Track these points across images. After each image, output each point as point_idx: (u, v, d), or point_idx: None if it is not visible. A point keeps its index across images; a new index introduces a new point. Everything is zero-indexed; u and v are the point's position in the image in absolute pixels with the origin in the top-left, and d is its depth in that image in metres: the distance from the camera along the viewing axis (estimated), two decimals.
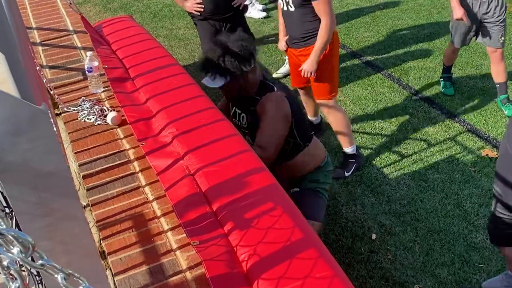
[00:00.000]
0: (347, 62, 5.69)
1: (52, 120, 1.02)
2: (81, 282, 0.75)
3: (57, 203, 1.13)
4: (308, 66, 3.67)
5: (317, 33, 3.55)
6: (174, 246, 2.01)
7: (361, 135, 4.47)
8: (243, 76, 2.70)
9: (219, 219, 2.01)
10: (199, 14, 4.15)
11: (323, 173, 3.02)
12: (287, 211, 1.96)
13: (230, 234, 1.92)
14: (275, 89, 2.79)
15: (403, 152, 4.25)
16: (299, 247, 1.80)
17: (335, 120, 3.91)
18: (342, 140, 4.00)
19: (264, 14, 6.86)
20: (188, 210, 2.04)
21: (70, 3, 3.48)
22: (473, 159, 4.14)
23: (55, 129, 1.05)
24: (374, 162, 4.14)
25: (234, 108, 2.97)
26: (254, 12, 6.79)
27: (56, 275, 0.72)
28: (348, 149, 4.01)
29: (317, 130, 4.40)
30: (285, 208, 1.99)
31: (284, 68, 5.42)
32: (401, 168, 4.07)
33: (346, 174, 3.99)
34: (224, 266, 1.76)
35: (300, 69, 3.74)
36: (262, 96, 2.76)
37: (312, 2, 3.46)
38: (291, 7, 3.60)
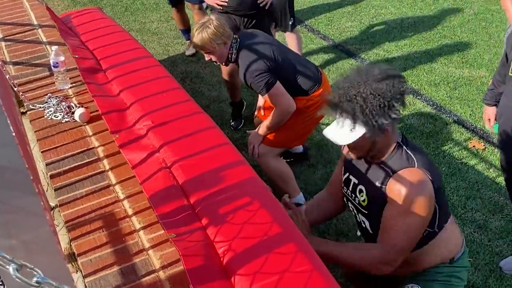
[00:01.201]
0: (329, 53, 5.73)
1: (4, 110, 1.02)
2: (35, 273, 0.75)
3: (14, 200, 1.13)
4: (251, 136, 3.41)
5: None
6: (147, 245, 2.02)
7: None
8: (385, 127, 1.99)
9: (197, 212, 2.03)
10: (220, 7, 4.07)
11: (455, 272, 2.27)
12: (266, 205, 1.99)
13: (208, 227, 1.95)
14: (416, 163, 2.06)
15: None
16: (277, 241, 1.83)
17: (270, 172, 3.49)
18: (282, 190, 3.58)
19: None
20: (164, 202, 2.07)
21: None
22: (460, 151, 4.19)
23: (9, 121, 1.05)
24: None
25: (348, 174, 2.29)
26: None
27: (7, 267, 0.72)
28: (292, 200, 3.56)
29: (302, 159, 4.16)
30: (264, 202, 2.01)
31: None
32: None
33: None
34: (202, 259, 1.79)
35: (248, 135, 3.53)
36: (396, 170, 2.07)
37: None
38: None
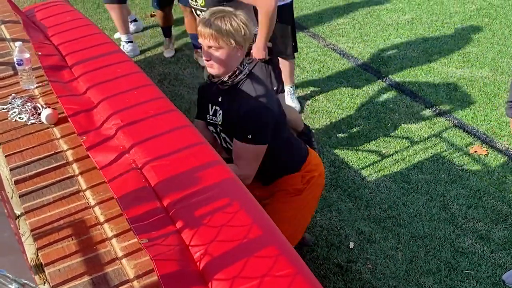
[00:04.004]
0: (319, 52, 5.82)
1: None
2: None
3: None
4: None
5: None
6: (120, 253, 2.06)
7: (336, 134, 4.58)
8: None
9: (171, 215, 2.08)
10: None
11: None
12: (245, 207, 2.04)
13: (183, 231, 2.00)
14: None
15: (383, 151, 4.36)
16: (258, 244, 1.88)
17: None
18: None
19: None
20: (135, 205, 2.11)
21: None
22: (461, 157, 4.28)
23: None
24: (351, 163, 4.24)
25: None
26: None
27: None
28: None
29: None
30: (243, 203, 2.07)
31: None
32: (381, 169, 4.18)
33: None
34: (176, 265, 1.83)
35: None
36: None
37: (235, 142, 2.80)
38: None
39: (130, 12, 6.39)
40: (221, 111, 2.74)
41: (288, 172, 2.91)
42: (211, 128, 2.88)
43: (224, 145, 2.87)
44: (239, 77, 2.67)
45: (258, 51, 3.60)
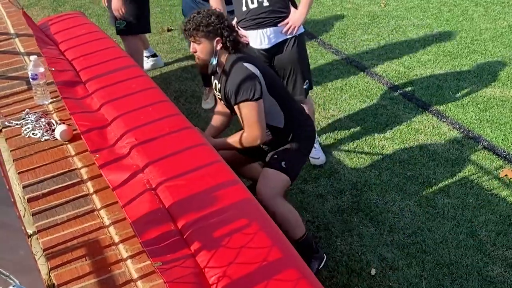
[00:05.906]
0: (342, 70, 5.87)
1: None
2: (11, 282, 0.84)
3: None
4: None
5: None
6: (135, 275, 2.11)
7: (358, 155, 4.60)
8: None
9: (185, 237, 2.12)
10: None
11: None
12: (264, 228, 2.08)
13: (198, 254, 2.04)
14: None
15: (408, 174, 4.38)
16: (277, 267, 1.92)
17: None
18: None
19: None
20: (149, 228, 2.15)
21: None
22: (490, 181, 4.28)
23: None
24: (373, 186, 4.26)
25: None
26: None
27: None
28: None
29: None
30: (262, 224, 2.11)
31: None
32: (406, 193, 4.19)
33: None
34: None
35: None
36: None
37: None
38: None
39: (148, 46, 6.06)
40: None
41: None
42: None
43: None
44: None
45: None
